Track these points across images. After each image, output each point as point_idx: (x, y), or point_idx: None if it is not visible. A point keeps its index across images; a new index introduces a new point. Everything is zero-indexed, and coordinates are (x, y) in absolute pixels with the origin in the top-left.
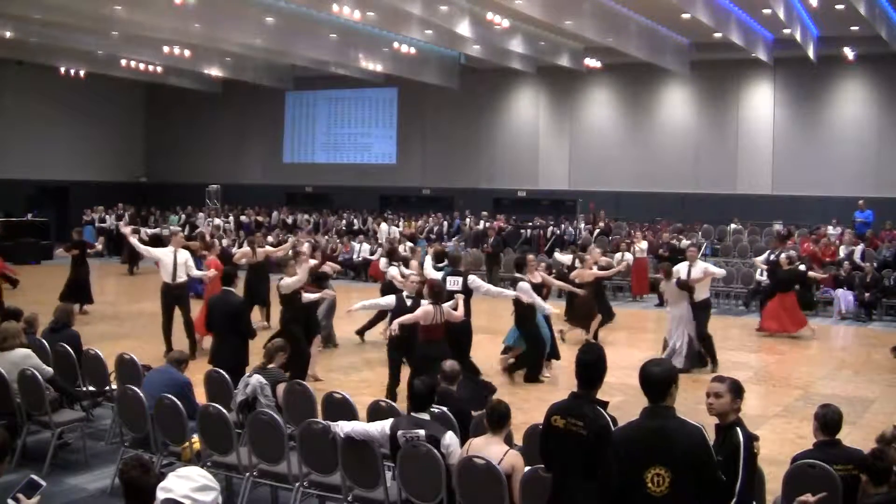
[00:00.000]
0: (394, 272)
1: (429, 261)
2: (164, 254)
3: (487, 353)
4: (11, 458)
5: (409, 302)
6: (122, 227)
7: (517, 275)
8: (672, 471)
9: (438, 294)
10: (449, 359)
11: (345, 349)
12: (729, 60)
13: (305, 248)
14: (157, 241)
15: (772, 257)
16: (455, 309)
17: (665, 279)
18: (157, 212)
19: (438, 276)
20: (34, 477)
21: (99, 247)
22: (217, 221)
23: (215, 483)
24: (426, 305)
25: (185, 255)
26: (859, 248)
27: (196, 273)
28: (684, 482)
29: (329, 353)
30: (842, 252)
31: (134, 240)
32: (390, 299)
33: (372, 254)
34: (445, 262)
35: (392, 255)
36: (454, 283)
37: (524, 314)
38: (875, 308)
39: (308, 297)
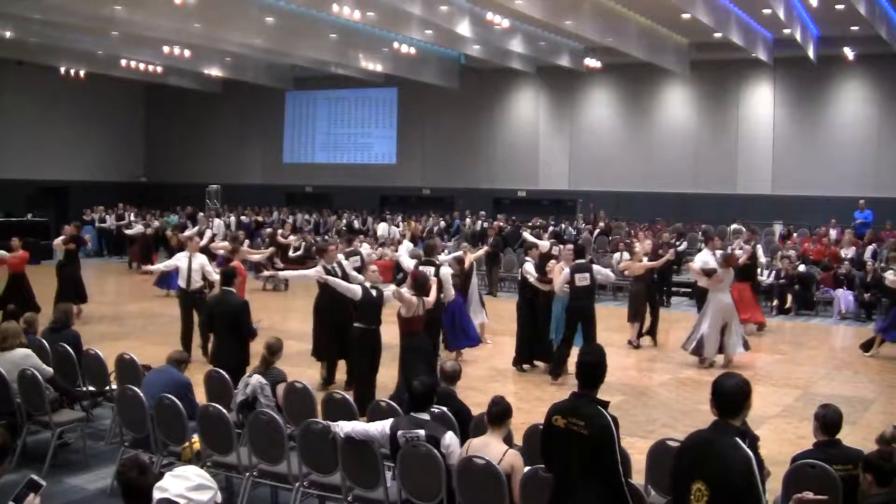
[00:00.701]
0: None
1: (406, 245)
2: (179, 260)
3: (486, 351)
4: (12, 458)
5: (373, 293)
6: (143, 268)
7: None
8: (710, 489)
9: (422, 286)
10: (431, 350)
11: None
12: (729, 60)
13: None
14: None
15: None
16: (427, 294)
17: (726, 267)
18: (157, 212)
19: (411, 263)
20: (34, 477)
21: (88, 245)
22: (217, 222)
23: (212, 482)
24: (411, 296)
25: (200, 260)
26: (871, 248)
27: (214, 277)
28: (722, 502)
29: None
30: (844, 252)
31: (156, 267)
32: (356, 289)
33: None
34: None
35: (430, 252)
36: (427, 272)
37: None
38: (875, 308)
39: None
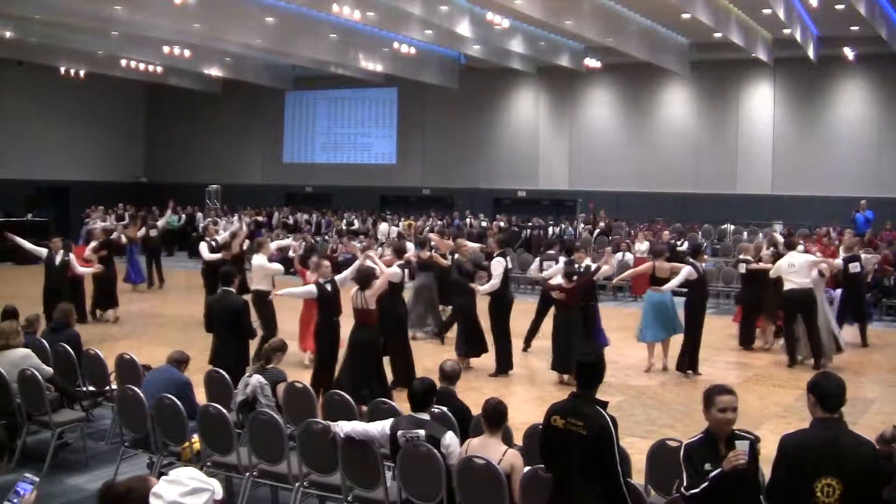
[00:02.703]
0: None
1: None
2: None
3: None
4: (11, 458)
5: (328, 287)
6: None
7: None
8: (843, 483)
9: (364, 280)
10: (378, 343)
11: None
12: (729, 60)
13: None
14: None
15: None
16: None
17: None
18: (157, 212)
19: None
20: (28, 475)
21: (124, 240)
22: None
23: (208, 483)
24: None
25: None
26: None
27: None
28: (854, 495)
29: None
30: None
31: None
32: (312, 289)
33: None
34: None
35: (572, 254)
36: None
37: (693, 304)
38: (875, 308)
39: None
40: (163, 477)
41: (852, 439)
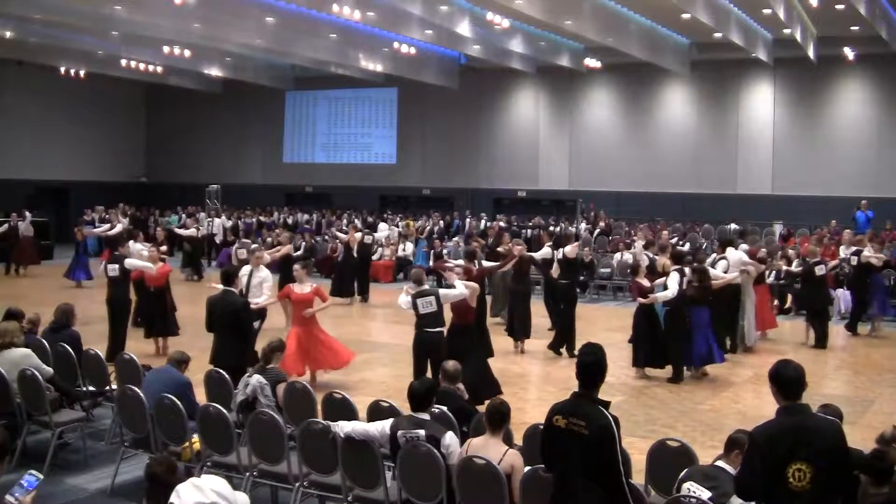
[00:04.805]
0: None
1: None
2: (241, 273)
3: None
4: (11, 458)
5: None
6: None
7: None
8: (813, 466)
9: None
10: (467, 344)
11: None
12: (729, 60)
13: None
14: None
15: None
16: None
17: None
18: (157, 211)
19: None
20: (33, 472)
21: (164, 249)
22: (217, 221)
23: (232, 496)
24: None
25: (262, 276)
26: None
27: (260, 300)
28: (825, 476)
29: None
30: (844, 252)
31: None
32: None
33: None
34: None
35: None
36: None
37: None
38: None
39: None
40: (191, 479)
41: (818, 420)
